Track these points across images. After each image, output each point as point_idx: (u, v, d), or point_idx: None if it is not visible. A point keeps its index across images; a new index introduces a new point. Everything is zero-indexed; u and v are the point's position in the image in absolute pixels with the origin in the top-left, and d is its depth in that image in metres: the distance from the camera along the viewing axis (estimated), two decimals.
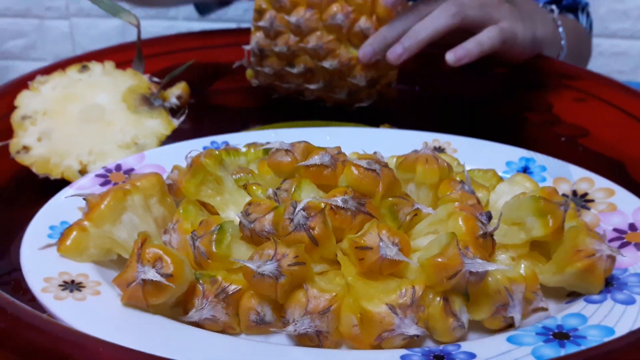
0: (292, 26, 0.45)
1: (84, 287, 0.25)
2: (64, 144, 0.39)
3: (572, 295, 0.27)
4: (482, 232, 0.26)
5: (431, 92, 0.57)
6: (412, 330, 0.23)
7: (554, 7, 0.63)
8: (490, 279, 0.25)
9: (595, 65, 1.54)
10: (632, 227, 0.31)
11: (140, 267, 0.23)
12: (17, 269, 0.26)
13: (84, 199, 0.28)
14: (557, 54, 0.62)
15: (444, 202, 0.28)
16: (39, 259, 0.26)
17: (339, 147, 0.31)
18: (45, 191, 0.34)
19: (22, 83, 0.43)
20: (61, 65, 0.46)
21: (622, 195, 0.33)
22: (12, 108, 0.41)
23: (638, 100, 0.51)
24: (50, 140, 0.39)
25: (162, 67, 0.51)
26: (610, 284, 0.27)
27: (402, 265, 0.25)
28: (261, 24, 0.46)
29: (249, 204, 0.27)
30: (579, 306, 0.25)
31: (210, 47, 0.59)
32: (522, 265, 0.26)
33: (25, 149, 0.39)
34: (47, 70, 0.45)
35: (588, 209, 0.33)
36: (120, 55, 0.52)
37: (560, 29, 0.62)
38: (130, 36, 0.50)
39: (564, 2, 0.78)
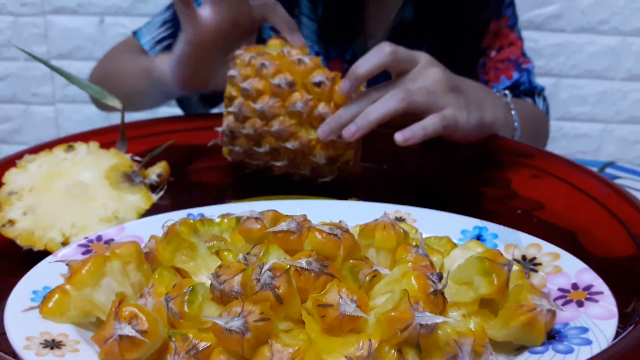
0: (257, 112, 0.49)
1: (63, 345, 0.26)
2: (48, 218, 0.41)
3: (520, 349, 0.30)
4: (432, 289, 0.28)
5: (397, 169, 0.61)
6: None
7: (507, 92, 0.69)
8: (440, 332, 0.27)
9: (559, 146, 1.63)
10: (574, 286, 0.34)
11: (117, 324, 0.25)
12: (2, 331, 0.28)
13: (67, 264, 0.30)
14: (512, 135, 0.67)
15: (399, 263, 0.31)
16: (22, 320, 0.28)
17: (304, 215, 0.34)
18: (28, 262, 0.35)
19: (10, 162, 0.46)
20: (48, 145, 0.49)
21: (566, 259, 0.36)
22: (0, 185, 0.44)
23: (587, 176, 0.55)
24: (35, 214, 0.41)
25: (143, 149, 0.54)
26: (552, 336, 0.29)
27: (361, 321, 0.28)
28: (231, 109, 0.50)
29: (220, 266, 0.29)
30: (523, 357, 0.28)
31: (188, 130, 0.63)
32: (472, 321, 0.29)
33: (11, 222, 0.41)
34: (35, 150, 0.48)
35: (536, 271, 0.36)
36: (105, 137, 0.55)
37: (513, 112, 0.68)
38: (114, 121, 0.54)
39: (522, 88, 0.86)
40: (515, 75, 0.87)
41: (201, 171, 0.60)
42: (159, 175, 0.48)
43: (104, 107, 0.84)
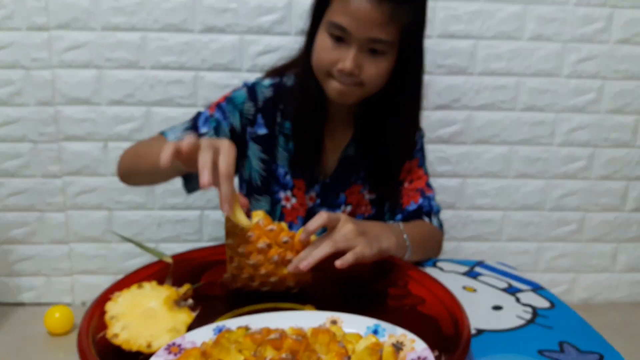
0: (249, 264, 0.74)
1: None
2: (136, 332, 0.67)
3: None
4: None
5: (334, 277, 0.85)
6: None
7: (400, 223, 0.95)
8: None
9: (469, 229, 1.93)
10: (418, 358, 0.62)
11: None
12: None
13: None
14: (404, 252, 0.90)
15: (330, 352, 0.59)
16: None
17: (282, 329, 0.62)
18: (130, 355, 0.63)
19: (106, 297, 0.73)
20: (126, 284, 0.76)
21: (417, 342, 0.64)
22: (103, 312, 0.70)
23: (436, 283, 0.80)
24: (129, 330, 0.67)
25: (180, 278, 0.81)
26: None
27: None
28: (233, 264, 0.74)
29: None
30: None
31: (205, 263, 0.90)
32: None
33: (116, 335, 0.67)
34: (119, 287, 0.74)
35: (401, 349, 0.64)
36: (149, 273, 0.82)
37: (405, 236, 0.91)
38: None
39: (424, 210, 1.07)
40: (420, 200, 1.07)
41: (209, 286, 0.83)
42: (186, 297, 0.75)
43: None
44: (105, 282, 1.91)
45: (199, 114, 1.06)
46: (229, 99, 1.06)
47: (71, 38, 1.70)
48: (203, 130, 1.02)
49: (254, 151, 1.07)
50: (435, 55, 1.76)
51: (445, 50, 1.77)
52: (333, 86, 0.95)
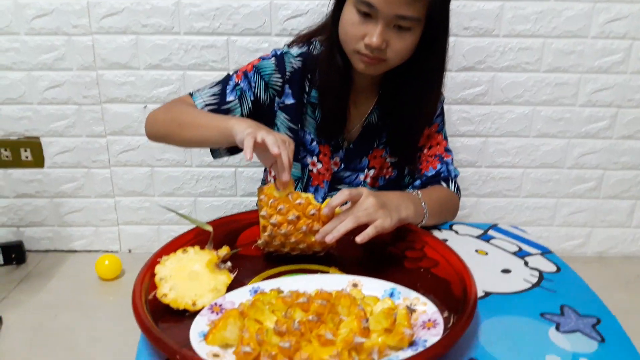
0: (281, 233, 0.79)
1: (218, 355, 0.61)
2: (182, 292, 0.74)
3: (398, 349, 0.65)
4: (364, 325, 0.64)
5: (355, 245, 0.86)
6: None
7: (419, 192, 0.98)
8: (365, 345, 0.62)
9: (489, 186, 1.95)
10: (429, 320, 0.67)
11: (242, 347, 0.60)
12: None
13: (210, 321, 0.65)
14: (421, 220, 0.93)
15: (350, 314, 0.66)
16: (199, 344, 0.62)
17: (310, 294, 0.69)
18: (177, 312, 0.70)
19: (155, 261, 0.80)
20: (172, 248, 0.83)
21: (429, 305, 0.70)
22: (153, 274, 0.78)
23: (448, 250, 0.85)
24: (176, 290, 0.75)
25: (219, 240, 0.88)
26: (412, 343, 0.64)
27: (335, 341, 0.63)
28: (266, 234, 0.80)
29: (277, 321, 0.64)
30: (401, 352, 0.63)
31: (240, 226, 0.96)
32: (379, 339, 0.64)
33: (165, 295, 0.74)
34: (165, 252, 0.82)
35: (414, 311, 0.71)
36: (190, 238, 0.89)
37: (423, 204, 0.94)
38: None
39: (442, 175, 1.08)
40: (439, 166, 1.09)
41: (246, 247, 0.90)
42: (225, 259, 0.82)
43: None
44: (149, 232, 2.03)
45: (227, 78, 1.06)
46: (256, 68, 1.05)
47: (108, 5, 1.74)
48: (229, 98, 1.03)
49: (282, 120, 1.08)
50: (461, 18, 1.75)
51: (471, 13, 1.75)
52: (360, 60, 0.97)
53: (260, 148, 0.81)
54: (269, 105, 1.08)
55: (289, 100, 1.08)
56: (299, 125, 1.10)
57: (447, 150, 1.13)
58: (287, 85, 1.07)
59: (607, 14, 1.75)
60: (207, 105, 1.03)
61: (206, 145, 0.99)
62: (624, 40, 1.78)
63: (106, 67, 1.80)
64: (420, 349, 0.61)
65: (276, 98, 1.08)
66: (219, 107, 1.02)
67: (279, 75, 1.07)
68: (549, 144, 1.90)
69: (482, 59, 1.78)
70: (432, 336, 0.64)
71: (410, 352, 0.61)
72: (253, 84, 1.06)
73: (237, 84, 1.06)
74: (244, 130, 0.82)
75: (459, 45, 1.76)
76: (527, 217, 1.99)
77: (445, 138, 1.14)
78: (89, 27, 1.75)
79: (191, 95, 1.05)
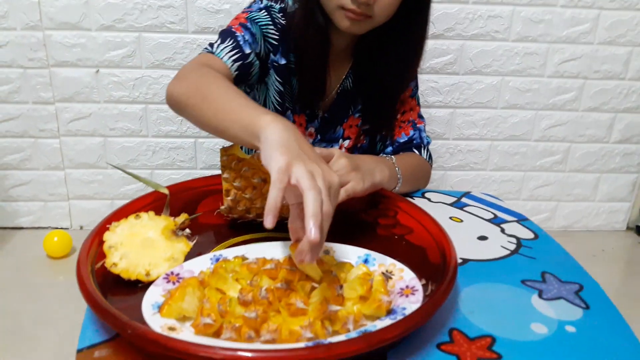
0: (245, 198, 0.74)
1: (174, 328, 0.55)
2: (135, 261, 0.67)
3: (375, 319, 0.60)
4: (337, 293, 0.58)
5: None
6: None
7: (393, 157, 0.95)
8: (339, 313, 0.57)
9: (457, 159, 1.93)
10: (406, 287, 0.62)
11: (202, 318, 0.54)
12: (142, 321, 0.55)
13: (165, 291, 0.58)
14: (396, 184, 0.91)
15: (323, 282, 0.61)
16: (152, 317, 0.56)
17: (278, 260, 0.63)
18: (128, 284, 0.63)
19: (104, 227, 0.72)
20: (123, 214, 0.76)
21: (406, 271, 0.65)
22: (102, 241, 0.70)
23: (424, 215, 0.81)
24: (127, 259, 0.68)
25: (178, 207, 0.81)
26: (389, 311, 0.59)
27: (306, 310, 0.57)
28: (229, 198, 0.74)
29: (241, 289, 0.58)
30: (378, 322, 0.57)
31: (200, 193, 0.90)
32: (354, 307, 0.59)
33: (114, 264, 0.67)
34: (116, 218, 0.74)
35: (391, 278, 0.66)
36: (145, 204, 0.82)
37: (397, 169, 0.91)
38: None
39: (415, 142, 1.06)
40: (411, 132, 1.06)
41: (206, 215, 0.84)
42: (183, 226, 0.75)
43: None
44: (102, 207, 1.92)
45: (231, 31, 0.93)
46: (251, 20, 0.94)
47: None
48: (247, 50, 0.92)
49: (273, 81, 0.99)
50: None
51: None
52: (345, 16, 0.89)
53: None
54: (264, 61, 0.97)
55: (282, 60, 0.99)
56: (287, 91, 1.01)
57: (420, 116, 1.10)
58: (282, 43, 0.97)
59: None
60: (234, 61, 0.89)
61: (225, 138, 0.74)
62: (591, 9, 1.77)
63: (54, 27, 1.67)
64: (400, 317, 0.55)
65: (271, 55, 0.98)
66: (244, 61, 0.90)
67: (274, 30, 0.96)
68: (516, 115, 1.88)
69: (452, 26, 1.74)
70: (412, 303, 0.59)
71: (388, 321, 0.56)
72: (256, 37, 0.93)
73: (243, 37, 0.92)
74: (278, 158, 0.58)
75: None
76: (494, 191, 1.98)
77: (419, 104, 1.11)
78: None
79: (212, 52, 0.89)
